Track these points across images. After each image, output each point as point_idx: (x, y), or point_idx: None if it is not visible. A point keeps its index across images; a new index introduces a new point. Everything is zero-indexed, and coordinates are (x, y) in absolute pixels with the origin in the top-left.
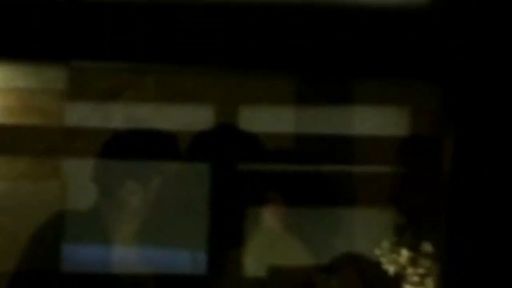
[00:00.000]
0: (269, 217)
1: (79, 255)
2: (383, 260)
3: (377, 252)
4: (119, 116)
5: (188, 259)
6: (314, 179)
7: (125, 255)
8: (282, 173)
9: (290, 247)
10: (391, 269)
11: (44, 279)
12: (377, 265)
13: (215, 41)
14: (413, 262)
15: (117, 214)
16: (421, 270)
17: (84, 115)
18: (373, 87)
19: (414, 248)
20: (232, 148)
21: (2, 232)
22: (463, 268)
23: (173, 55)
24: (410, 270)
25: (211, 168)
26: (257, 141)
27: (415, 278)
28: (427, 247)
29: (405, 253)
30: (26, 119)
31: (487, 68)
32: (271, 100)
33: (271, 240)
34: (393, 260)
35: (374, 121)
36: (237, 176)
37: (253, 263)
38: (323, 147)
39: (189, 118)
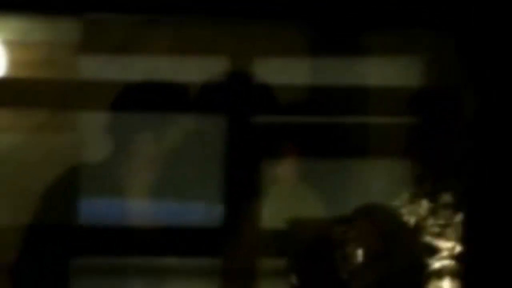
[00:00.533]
0: (285, 169)
1: (94, 208)
2: (403, 211)
3: (396, 203)
4: (133, 68)
5: (203, 211)
6: (329, 130)
7: (140, 208)
8: (297, 125)
9: (306, 198)
10: (411, 219)
11: (60, 233)
12: (396, 216)
13: None
14: (433, 212)
15: (131, 164)
16: (441, 221)
17: (99, 68)
18: (388, 37)
19: (433, 198)
20: (247, 99)
21: (18, 185)
22: (485, 218)
23: (188, 5)
24: (430, 221)
25: (226, 120)
26: (271, 92)
27: (435, 229)
28: (447, 197)
29: (424, 204)
30: (41, 73)
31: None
32: (285, 51)
33: (287, 191)
34: (412, 210)
35: (389, 71)
36: (252, 128)
37: (269, 215)
38: (337, 98)
39: (203, 69)
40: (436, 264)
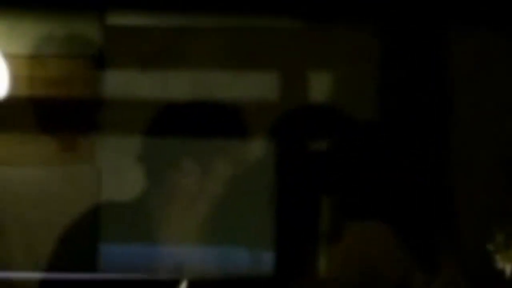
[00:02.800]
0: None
1: (119, 255)
2: (497, 257)
3: (489, 247)
4: (167, 84)
5: (250, 258)
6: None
7: (176, 254)
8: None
9: (381, 241)
10: (507, 268)
11: (79, 283)
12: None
13: None
14: None
15: (168, 201)
16: None
17: (126, 84)
18: None
19: None
20: (304, 124)
21: (29, 226)
22: None
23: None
24: None
25: (280, 147)
26: (332, 115)
27: None
28: None
29: None
30: (58, 91)
31: None
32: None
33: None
34: (509, 256)
35: None
36: (310, 158)
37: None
38: None
39: (248, 85)
40: None
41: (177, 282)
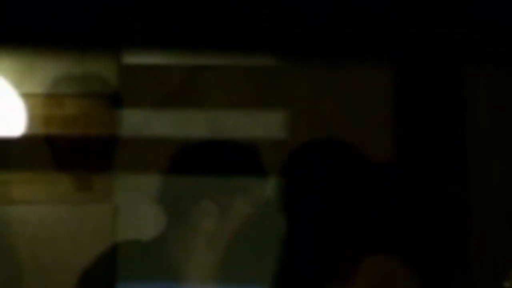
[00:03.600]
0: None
1: None
2: None
3: (505, 284)
4: (184, 123)
5: None
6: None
7: None
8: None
9: (397, 277)
10: None
11: None
12: None
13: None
14: None
15: (185, 240)
16: None
17: (140, 122)
18: None
19: None
20: (316, 162)
21: (43, 268)
22: None
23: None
24: None
25: (300, 187)
26: (345, 153)
27: None
28: None
29: None
30: (72, 129)
31: None
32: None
33: None
34: None
35: None
36: (321, 195)
37: None
38: None
39: (263, 124)
40: None
41: None
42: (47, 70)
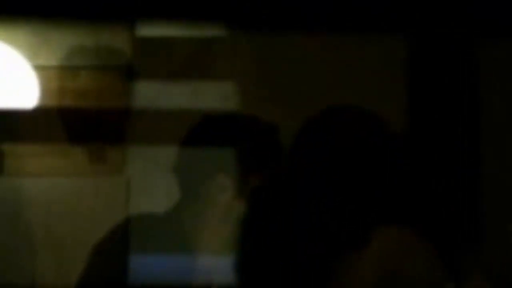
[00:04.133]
0: None
1: (150, 268)
2: None
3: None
4: (192, 95)
5: None
6: None
7: (208, 266)
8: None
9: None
10: None
11: None
12: None
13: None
14: None
15: (201, 216)
16: None
17: (153, 94)
18: None
19: None
20: (331, 130)
21: (57, 240)
22: None
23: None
24: None
25: (314, 156)
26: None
27: None
28: None
29: None
30: (86, 102)
31: None
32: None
33: None
34: None
35: None
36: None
37: None
38: None
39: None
40: None
41: None
42: (61, 43)
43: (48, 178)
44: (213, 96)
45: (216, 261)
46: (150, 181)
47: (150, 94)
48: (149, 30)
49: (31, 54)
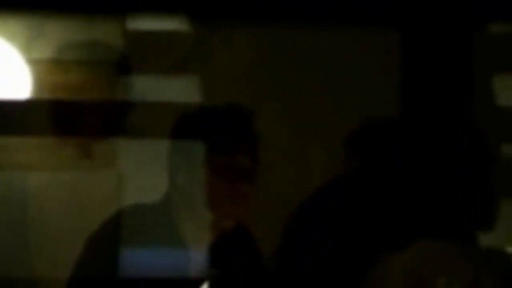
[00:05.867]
0: None
1: (140, 259)
2: None
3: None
4: (189, 89)
5: None
6: None
7: (199, 257)
8: None
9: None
10: None
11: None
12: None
13: None
14: None
15: (190, 205)
16: None
17: (145, 88)
18: None
19: None
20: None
21: (51, 231)
22: None
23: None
24: None
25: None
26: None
27: None
28: None
29: None
30: (78, 95)
31: None
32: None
33: None
34: None
35: None
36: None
37: None
38: None
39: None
40: None
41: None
42: (54, 36)
43: (39, 172)
44: (203, 90)
45: (205, 252)
46: (141, 175)
47: (141, 88)
48: (140, 24)
49: (24, 47)
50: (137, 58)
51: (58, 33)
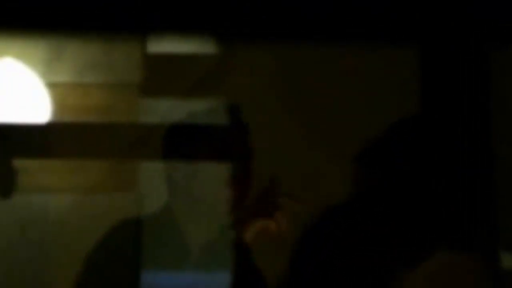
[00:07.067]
0: None
1: (161, 282)
2: None
3: None
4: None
5: None
6: None
7: (219, 281)
8: None
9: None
10: None
11: None
12: None
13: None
14: None
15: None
16: None
17: (164, 111)
18: None
19: None
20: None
21: (73, 253)
22: None
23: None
24: None
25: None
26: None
27: None
28: None
29: None
30: (98, 118)
31: None
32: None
33: None
34: None
35: None
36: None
37: None
38: None
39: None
40: None
41: None
42: (73, 60)
43: (59, 194)
44: (223, 112)
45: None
46: (162, 197)
47: (160, 110)
48: (160, 47)
49: (44, 71)
50: (158, 80)
51: (78, 55)
